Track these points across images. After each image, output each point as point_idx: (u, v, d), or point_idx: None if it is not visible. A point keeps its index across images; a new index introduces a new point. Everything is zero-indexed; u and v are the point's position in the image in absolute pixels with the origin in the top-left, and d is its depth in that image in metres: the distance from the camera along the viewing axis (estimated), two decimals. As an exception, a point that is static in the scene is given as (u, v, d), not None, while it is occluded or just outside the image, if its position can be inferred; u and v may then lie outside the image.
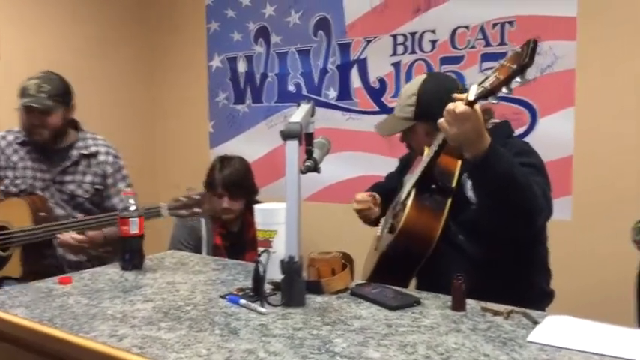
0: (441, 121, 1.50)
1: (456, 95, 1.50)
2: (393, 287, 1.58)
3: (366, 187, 2.27)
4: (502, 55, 2.81)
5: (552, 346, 1.20)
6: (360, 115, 3.28)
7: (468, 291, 1.44)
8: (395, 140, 3.36)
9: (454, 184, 1.76)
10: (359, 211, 2.01)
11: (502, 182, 1.51)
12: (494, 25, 2.82)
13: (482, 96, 1.39)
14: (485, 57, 2.86)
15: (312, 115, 1.67)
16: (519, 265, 1.76)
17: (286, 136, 1.42)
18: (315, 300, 1.51)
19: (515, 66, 1.28)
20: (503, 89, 1.32)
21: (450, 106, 1.46)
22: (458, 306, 1.44)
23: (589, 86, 2.61)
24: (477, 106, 1.44)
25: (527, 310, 1.39)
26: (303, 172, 1.59)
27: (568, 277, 2.51)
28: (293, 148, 1.42)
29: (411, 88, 1.85)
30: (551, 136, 2.72)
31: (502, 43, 2.81)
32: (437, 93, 1.78)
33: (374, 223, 2.10)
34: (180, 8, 4.06)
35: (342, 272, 1.55)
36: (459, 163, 1.76)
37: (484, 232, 1.69)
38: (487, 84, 1.37)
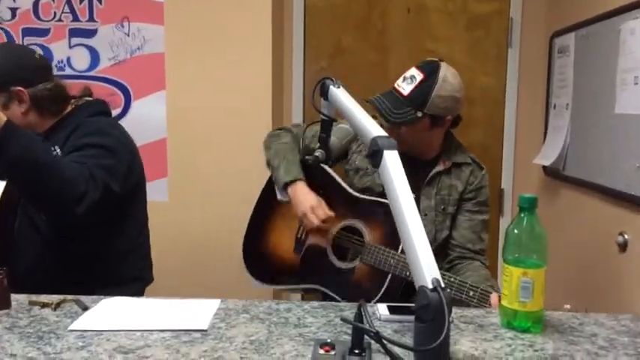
0: None
1: None
2: None
3: None
4: (93, 31, 2.68)
5: (94, 330, 1.15)
6: None
7: (47, 274, 1.44)
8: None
9: None
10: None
11: (18, 166, 1.37)
12: (82, -1, 2.66)
13: None
14: (75, 32, 2.68)
15: None
16: (100, 248, 1.67)
17: None
18: None
19: None
20: None
21: None
22: (0, 303, 1.26)
23: (178, 70, 2.71)
24: None
25: (80, 297, 1.32)
26: None
27: (168, 258, 2.57)
28: None
29: None
30: (145, 119, 2.73)
31: (91, 19, 2.67)
32: (7, 62, 1.60)
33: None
34: None
35: None
36: None
37: None
38: None
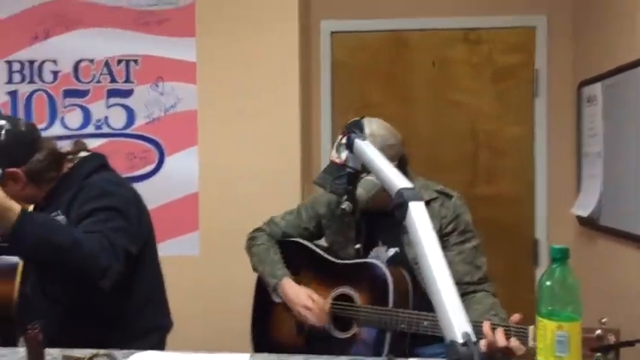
0: None
1: None
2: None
3: None
4: (129, 92, 2.80)
5: (125, 386, 1.15)
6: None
7: (67, 337, 1.39)
8: None
9: None
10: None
11: (38, 252, 1.39)
12: (120, 61, 2.79)
13: None
14: (112, 93, 2.80)
15: None
16: (111, 312, 1.63)
17: None
18: None
19: None
20: None
21: None
22: (35, 358, 1.28)
23: (210, 126, 2.79)
24: None
25: (112, 351, 1.33)
26: None
27: (197, 311, 2.58)
28: None
29: None
30: (178, 174, 2.81)
31: (128, 80, 2.79)
32: None
33: None
34: None
35: None
36: None
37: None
38: None
